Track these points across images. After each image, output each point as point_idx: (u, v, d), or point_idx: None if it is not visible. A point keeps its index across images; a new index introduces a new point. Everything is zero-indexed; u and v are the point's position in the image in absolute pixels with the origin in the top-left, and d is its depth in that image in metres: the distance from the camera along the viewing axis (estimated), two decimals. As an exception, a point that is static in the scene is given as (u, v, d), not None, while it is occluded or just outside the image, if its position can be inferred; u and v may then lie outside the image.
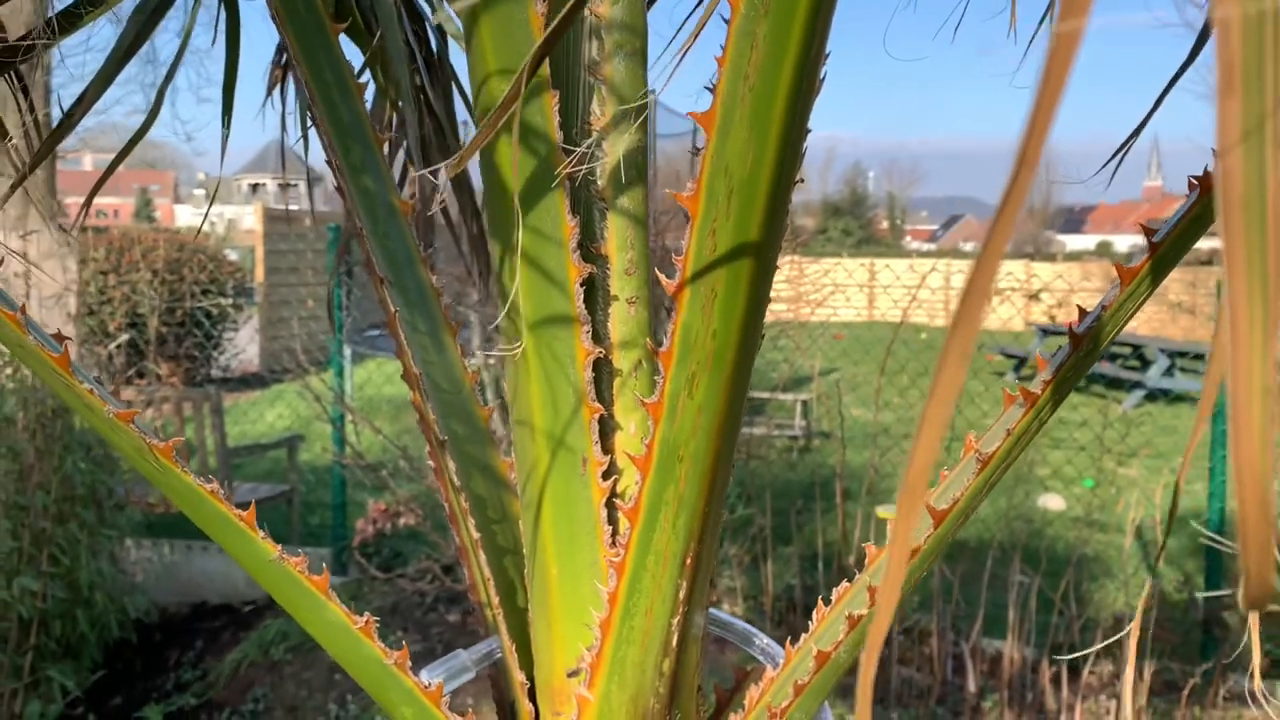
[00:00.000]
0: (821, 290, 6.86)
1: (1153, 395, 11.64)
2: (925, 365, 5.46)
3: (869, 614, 0.65)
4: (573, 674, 0.68)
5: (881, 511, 7.00)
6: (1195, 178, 0.59)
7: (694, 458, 0.59)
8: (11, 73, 1.04)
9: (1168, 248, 0.58)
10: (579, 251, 0.63)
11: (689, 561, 0.63)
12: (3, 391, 4.24)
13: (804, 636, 0.73)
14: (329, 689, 4.10)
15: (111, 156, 1.13)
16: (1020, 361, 12.56)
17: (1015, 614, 4.10)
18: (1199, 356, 11.69)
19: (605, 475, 0.68)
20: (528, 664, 0.73)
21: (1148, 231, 0.61)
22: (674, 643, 0.65)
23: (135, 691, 4.45)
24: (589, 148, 0.61)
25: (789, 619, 4.40)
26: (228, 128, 1.03)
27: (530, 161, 0.61)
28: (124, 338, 5.10)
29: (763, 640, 0.81)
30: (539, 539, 0.68)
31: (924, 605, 4.45)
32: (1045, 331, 13.88)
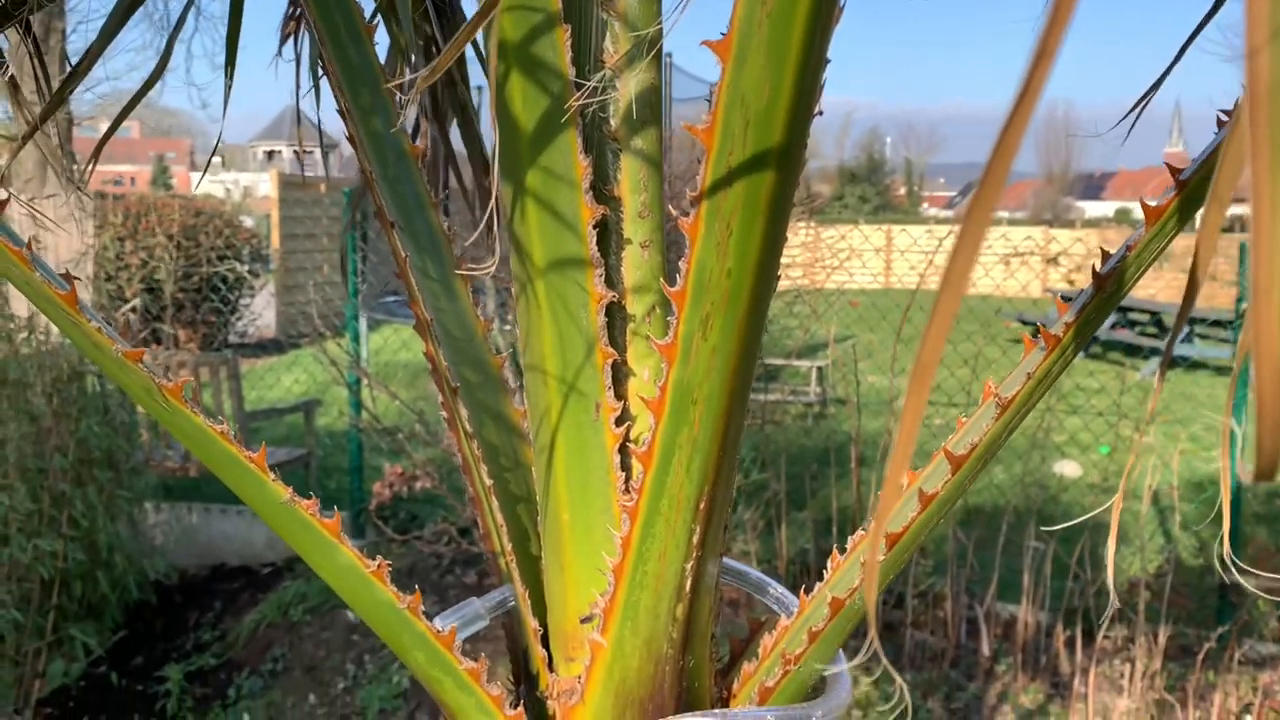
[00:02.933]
0: (838, 255, 6.81)
1: (1171, 362, 11.56)
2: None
3: (885, 560, 0.64)
4: (586, 619, 0.68)
5: (896, 477, 6.99)
6: (1225, 112, 0.57)
7: (708, 400, 0.58)
8: (19, 25, 1.03)
9: (1194, 185, 0.57)
10: (592, 193, 0.62)
11: (703, 506, 0.62)
12: (19, 356, 4.26)
13: (819, 585, 0.72)
14: (347, 649, 4.14)
15: (129, 125, 1.13)
16: (1037, 329, 12.50)
17: (1030, 578, 4.10)
18: (1219, 323, 11.57)
19: (618, 422, 0.67)
20: (541, 611, 0.73)
21: (1174, 170, 0.59)
22: (688, 587, 0.64)
23: (155, 652, 4.51)
24: (602, 83, 0.60)
25: (803, 583, 4.41)
26: (230, 79, 1.01)
27: (542, 99, 0.60)
28: (136, 301, 5.11)
29: (777, 590, 0.80)
30: (552, 485, 0.68)
31: (938, 570, 4.45)
32: (1065, 298, 13.78)
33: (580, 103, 0.59)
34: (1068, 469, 6.90)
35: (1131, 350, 12.26)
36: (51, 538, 4.09)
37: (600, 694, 0.67)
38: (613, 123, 0.65)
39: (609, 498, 0.67)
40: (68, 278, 0.58)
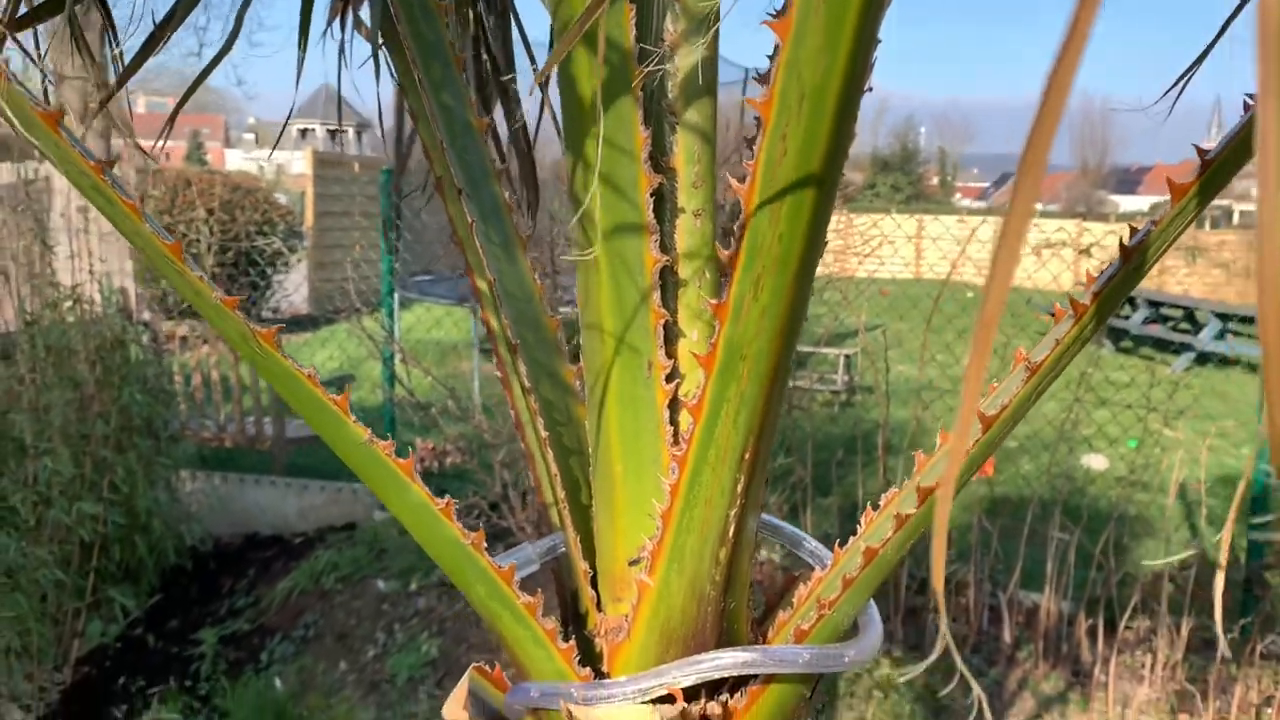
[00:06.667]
0: (870, 242, 6.81)
1: (1203, 358, 11.46)
2: (972, 321, 5.41)
3: (917, 513, 0.68)
4: (634, 562, 0.73)
5: (922, 466, 7.00)
6: (1250, 95, 0.61)
7: (756, 357, 0.63)
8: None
9: (1219, 165, 0.60)
10: (650, 163, 0.67)
11: (747, 456, 0.67)
12: (65, 324, 4.37)
13: (852, 538, 0.77)
14: (377, 618, 4.23)
15: (165, 100, 1.17)
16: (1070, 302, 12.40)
17: (1053, 567, 4.12)
18: (1251, 319, 11.44)
19: (668, 378, 0.71)
20: (590, 555, 0.78)
21: (1201, 151, 0.63)
22: (730, 533, 0.69)
23: (191, 616, 4.62)
24: (662, 59, 0.64)
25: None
26: (303, 50, 1.06)
27: (606, 74, 0.64)
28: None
29: (811, 544, 0.85)
30: (604, 437, 0.72)
31: (962, 557, 4.47)
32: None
33: (643, 80, 0.63)
34: (1095, 462, 6.89)
35: (1163, 345, 12.16)
36: (92, 502, 4.20)
37: (645, 631, 0.72)
38: (670, 97, 0.70)
39: (658, 449, 0.72)
40: (170, 229, 0.63)
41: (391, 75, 1.04)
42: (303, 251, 13.48)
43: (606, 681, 0.70)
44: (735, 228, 0.59)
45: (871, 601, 0.75)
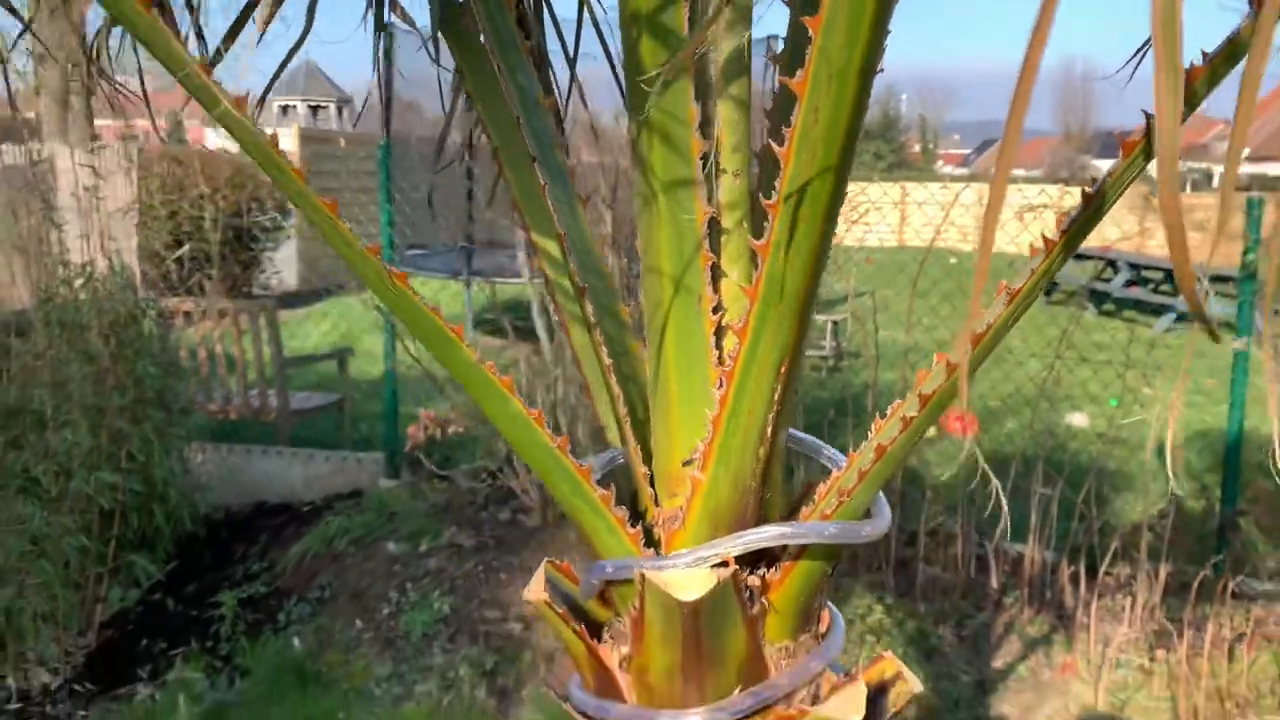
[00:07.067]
0: (857, 209, 6.94)
1: (1184, 318, 11.68)
2: (958, 284, 5.56)
3: (919, 416, 0.84)
4: (687, 463, 0.88)
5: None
6: (1204, 53, 0.75)
7: (791, 287, 0.78)
8: None
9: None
10: (699, 130, 0.81)
11: (783, 370, 0.82)
12: (78, 300, 4.48)
13: (863, 444, 0.92)
14: (389, 578, 4.39)
15: (146, 76, 1.29)
16: (1053, 285, 12.57)
17: (1037, 518, 4.31)
18: (1229, 279, 11.65)
19: (714, 310, 0.87)
20: (648, 461, 0.93)
21: (1148, 115, 0.78)
22: (768, 433, 0.84)
23: (207, 580, 4.77)
24: (710, 44, 0.79)
25: (821, 520, 4.62)
26: (310, 25, 1.18)
27: (664, 56, 0.78)
28: (186, 248, 5.32)
29: (829, 450, 1.00)
30: (663, 361, 0.88)
31: (949, 511, 4.65)
32: (1077, 255, 13.88)
33: (693, 58, 0.78)
34: (1077, 420, 7.10)
35: (1145, 308, 12.39)
36: (110, 471, 4.33)
37: (697, 519, 0.88)
38: (714, 76, 0.84)
39: (707, 369, 0.87)
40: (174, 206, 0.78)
41: (436, 63, 1.18)
42: (290, 229, 13.52)
43: (670, 554, 0.86)
44: (775, 183, 0.74)
45: (881, 494, 0.91)
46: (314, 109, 32.93)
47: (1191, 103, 0.72)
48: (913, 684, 0.96)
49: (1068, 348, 4.77)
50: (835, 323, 9.15)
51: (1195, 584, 3.72)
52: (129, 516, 4.51)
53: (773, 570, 0.89)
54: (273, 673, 4.01)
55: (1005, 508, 4.37)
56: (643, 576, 0.83)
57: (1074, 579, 4.16)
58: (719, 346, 0.88)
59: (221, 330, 5.81)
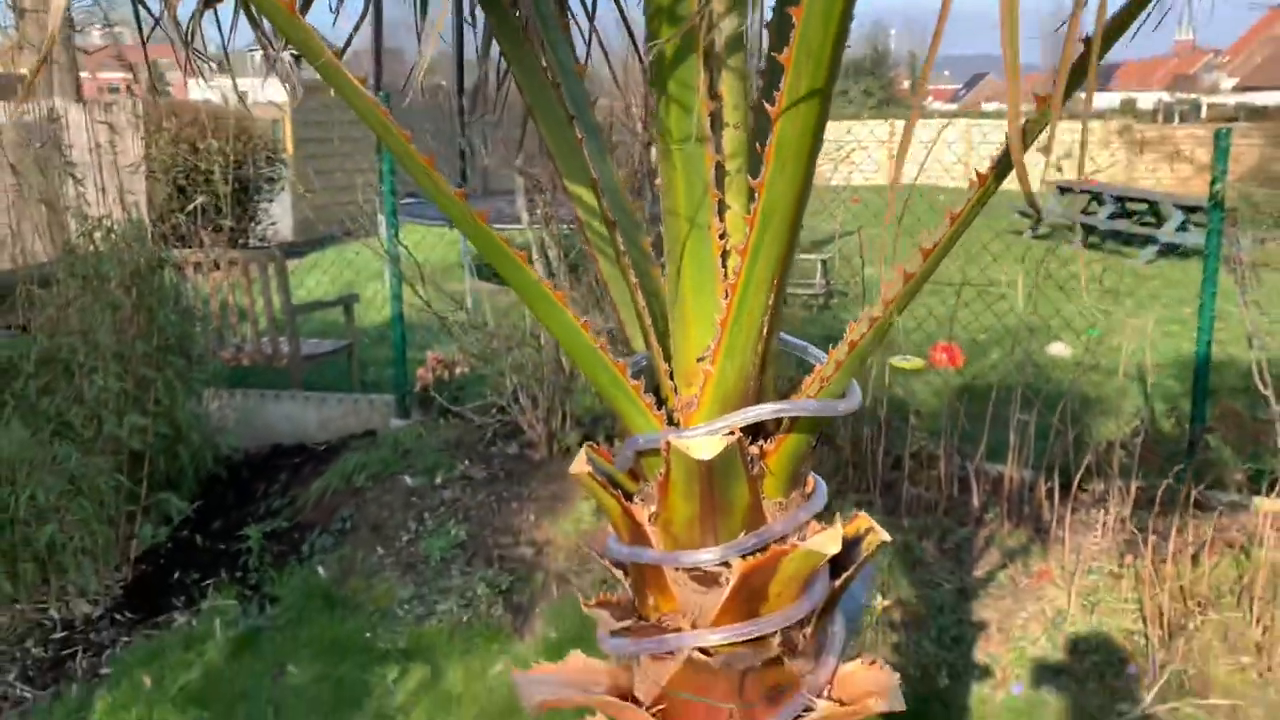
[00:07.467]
0: (844, 147, 7.12)
1: (1166, 250, 11.90)
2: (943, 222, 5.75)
3: (883, 316, 1.07)
4: (701, 359, 1.11)
5: (895, 361, 7.43)
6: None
7: (781, 215, 1.00)
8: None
9: (1071, 76, 0.97)
10: (707, 94, 1.03)
11: (775, 282, 1.05)
12: (99, 252, 4.68)
13: (839, 342, 1.15)
14: (407, 509, 4.65)
15: (121, 31, 1.49)
16: (1037, 220, 12.75)
17: (1016, 438, 4.56)
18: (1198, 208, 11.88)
19: (720, 237, 1.09)
20: (668, 360, 1.16)
21: (1039, 88, 1.00)
22: (765, 332, 1.07)
23: (232, 517, 5.03)
24: (715, 22, 1.00)
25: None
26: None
27: (679, 38, 1.00)
28: (200, 199, 5.50)
29: (814, 350, 1.23)
30: (681, 280, 1.10)
31: (933, 435, 4.90)
32: (1062, 189, 14.05)
33: (703, 36, 1.00)
34: (1059, 349, 7.35)
35: (1128, 240, 12.61)
36: (138, 415, 4.56)
37: (709, 402, 1.11)
38: (719, 49, 1.06)
39: (715, 284, 1.10)
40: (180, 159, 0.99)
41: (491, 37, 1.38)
42: (284, 180, 13.61)
43: (689, 428, 1.09)
44: (769, 135, 0.96)
45: (854, 381, 1.15)
46: (297, 58, 32.68)
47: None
48: (881, 534, 1.20)
49: (1045, 278, 4.99)
50: (824, 261, 9.36)
51: (1159, 495, 3.99)
52: (156, 459, 4.75)
53: (768, 442, 1.13)
54: (301, 599, 4.28)
55: (986, 431, 4.63)
56: (669, 444, 1.06)
57: (1050, 495, 4.43)
58: (725, 266, 1.11)
59: (231, 280, 6.00)
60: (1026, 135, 0.97)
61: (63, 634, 4.18)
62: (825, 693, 1.18)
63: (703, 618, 1.12)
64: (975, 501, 4.56)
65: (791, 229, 1.02)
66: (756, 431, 1.13)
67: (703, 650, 1.10)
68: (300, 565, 4.54)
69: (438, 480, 4.80)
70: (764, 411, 1.08)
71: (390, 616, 4.12)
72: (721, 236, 1.09)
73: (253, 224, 12.55)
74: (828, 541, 1.09)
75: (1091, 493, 4.58)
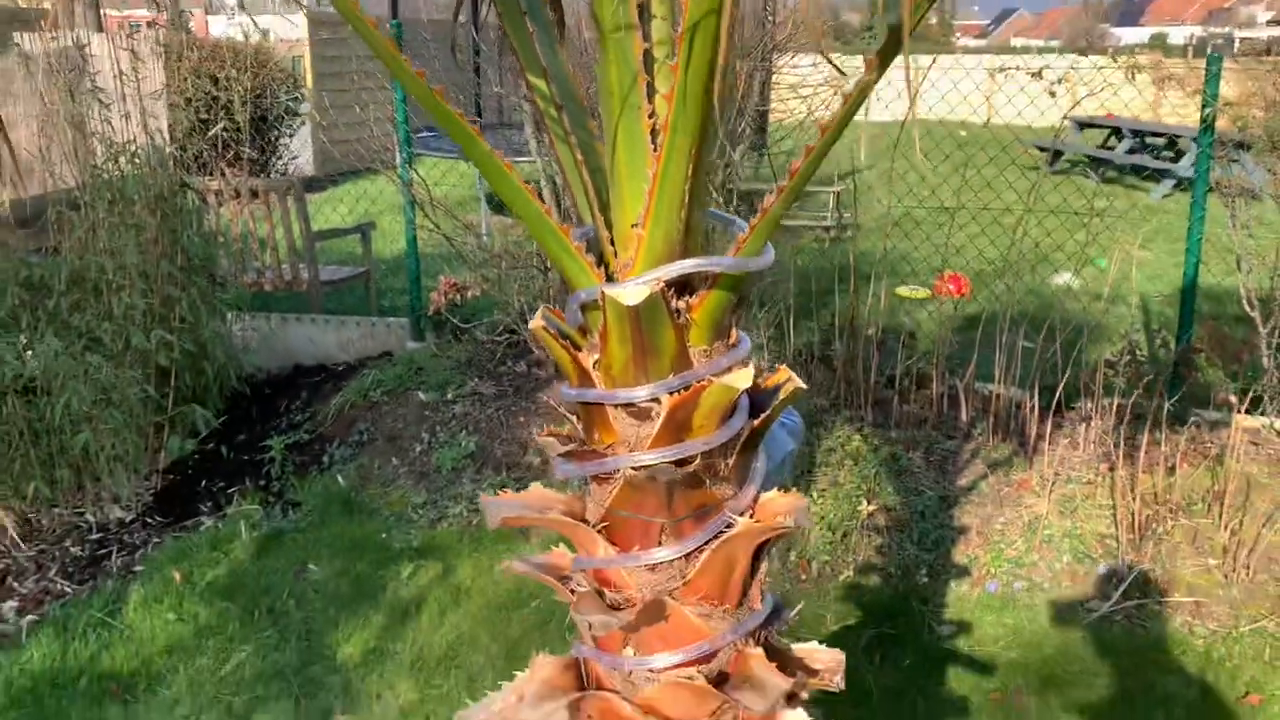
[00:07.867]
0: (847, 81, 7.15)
1: (1182, 184, 11.86)
2: (969, 157, 5.79)
3: (790, 183, 1.24)
4: (634, 225, 1.29)
5: (901, 290, 7.54)
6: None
7: (694, 95, 1.16)
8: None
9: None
10: (637, -10, 1.20)
11: (693, 153, 1.22)
12: (124, 176, 4.88)
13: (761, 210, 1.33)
14: (421, 422, 4.89)
15: None
16: (1056, 155, 12.68)
17: (1003, 358, 4.71)
18: (1226, 144, 11.79)
19: (649, 116, 1.26)
20: (609, 228, 1.34)
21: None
22: (686, 201, 1.25)
23: (254, 432, 5.28)
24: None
25: (809, 365, 5.06)
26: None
27: (609, -60, 1.16)
28: (221, 124, 5.69)
29: (739, 222, 1.41)
30: (617, 156, 1.27)
31: (926, 358, 5.07)
32: (1080, 125, 13.95)
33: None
34: (1064, 280, 7.44)
35: (1146, 174, 12.55)
36: (163, 331, 4.80)
37: (642, 262, 1.29)
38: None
39: (645, 158, 1.27)
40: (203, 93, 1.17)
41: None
42: (304, 114, 13.73)
43: (622, 281, 1.28)
44: (685, 27, 1.13)
45: (769, 242, 1.33)
46: (318, -7, 32.58)
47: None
48: (798, 382, 1.39)
49: (1035, 201, 5.08)
50: (837, 194, 9.45)
51: (1138, 411, 4.14)
52: (182, 374, 4.99)
53: (694, 297, 1.32)
54: (321, 504, 4.54)
55: (975, 352, 4.78)
56: (604, 295, 1.25)
57: (1036, 412, 4.60)
58: (654, 142, 1.28)
59: (252, 208, 6.20)
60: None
61: (98, 535, 4.45)
62: (747, 514, 1.38)
63: (639, 445, 1.32)
64: (964, 417, 4.73)
65: (704, 105, 1.19)
66: (684, 287, 1.31)
67: (636, 469, 1.30)
68: (321, 474, 4.79)
69: (449, 396, 5.03)
70: (686, 266, 1.27)
71: (405, 520, 4.38)
72: (651, 116, 1.26)
73: (274, 158, 12.72)
74: (739, 378, 1.27)
75: (1079, 410, 4.74)
